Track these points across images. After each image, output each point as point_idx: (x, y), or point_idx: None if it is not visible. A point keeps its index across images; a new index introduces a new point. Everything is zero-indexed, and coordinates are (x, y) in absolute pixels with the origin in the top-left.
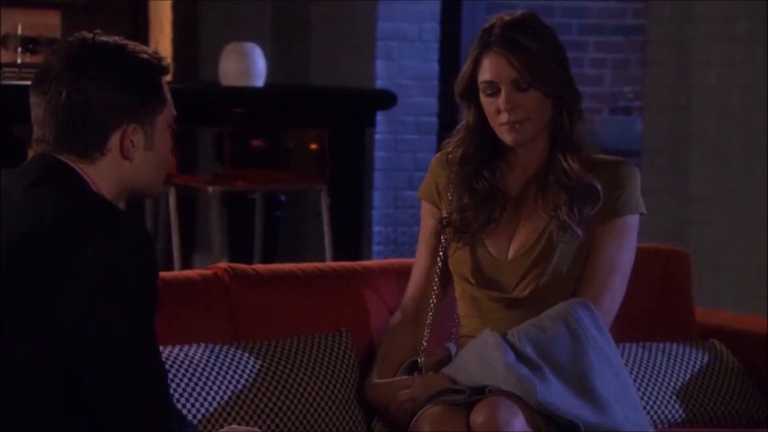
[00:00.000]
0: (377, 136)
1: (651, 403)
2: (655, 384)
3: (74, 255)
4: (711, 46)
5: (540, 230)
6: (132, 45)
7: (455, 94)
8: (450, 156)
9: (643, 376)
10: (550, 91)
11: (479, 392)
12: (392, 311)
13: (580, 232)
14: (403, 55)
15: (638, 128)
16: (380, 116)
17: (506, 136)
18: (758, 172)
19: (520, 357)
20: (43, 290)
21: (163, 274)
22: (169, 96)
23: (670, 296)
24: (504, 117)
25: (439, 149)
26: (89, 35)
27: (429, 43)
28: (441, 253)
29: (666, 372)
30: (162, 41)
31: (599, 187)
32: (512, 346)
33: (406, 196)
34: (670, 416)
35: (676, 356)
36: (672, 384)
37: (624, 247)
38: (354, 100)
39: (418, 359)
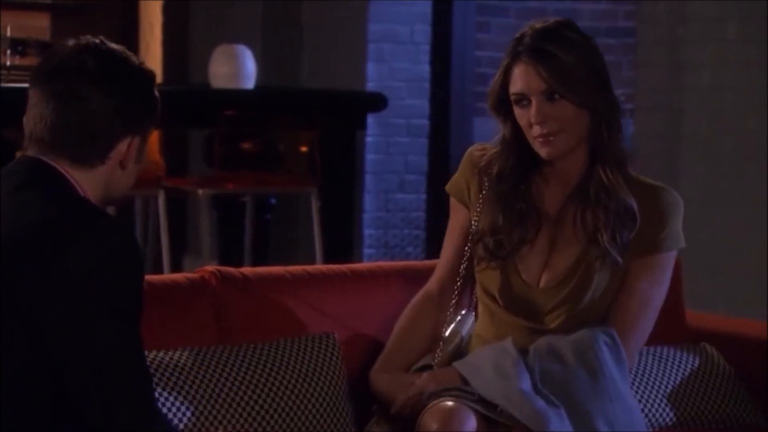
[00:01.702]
0: (368, 139)
1: (642, 406)
2: (646, 387)
3: (60, 258)
4: (703, 48)
5: (577, 257)
6: (132, 55)
7: (488, 107)
8: (485, 167)
9: (634, 379)
10: (583, 101)
11: (490, 406)
12: (381, 313)
13: (620, 260)
14: (395, 57)
15: (630, 130)
16: (371, 119)
17: (540, 150)
18: (751, 173)
19: (537, 389)
20: (29, 293)
21: (149, 277)
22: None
23: None
24: (536, 130)
25: (471, 149)
26: (98, 42)
27: (420, 45)
28: (466, 253)
29: (657, 375)
30: (152, 43)
31: (636, 209)
32: (530, 372)
33: (397, 199)
34: (661, 419)
35: (667, 360)
36: (663, 387)
37: (659, 283)
38: (345, 102)
39: (433, 362)
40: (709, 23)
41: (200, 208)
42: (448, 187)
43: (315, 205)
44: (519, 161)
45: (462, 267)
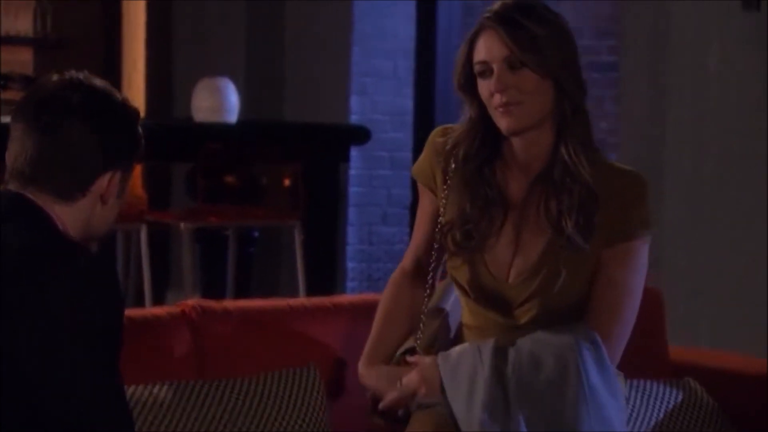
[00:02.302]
0: (351, 172)
1: None
2: (630, 422)
3: (39, 293)
4: (684, 81)
5: (544, 248)
6: (116, 92)
7: (455, 86)
8: (450, 151)
9: None
10: (546, 72)
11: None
12: (363, 346)
13: (586, 246)
14: (377, 91)
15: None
16: (354, 152)
17: (500, 121)
18: (733, 200)
19: (508, 405)
20: (7, 327)
21: (130, 312)
22: None
23: (644, 335)
24: (497, 99)
25: (432, 134)
26: (82, 76)
27: (403, 79)
28: (437, 235)
29: (641, 410)
30: (135, 78)
31: (596, 193)
32: (506, 384)
33: (380, 231)
34: None
35: (651, 394)
36: (647, 422)
37: (636, 269)
38: (328, 135)
39: (416, 345)
40: (690, 58)
41: (183, 241)
42: (413, 172)
43: (298, 238)
44: (484, 142)
45: (434, 251)
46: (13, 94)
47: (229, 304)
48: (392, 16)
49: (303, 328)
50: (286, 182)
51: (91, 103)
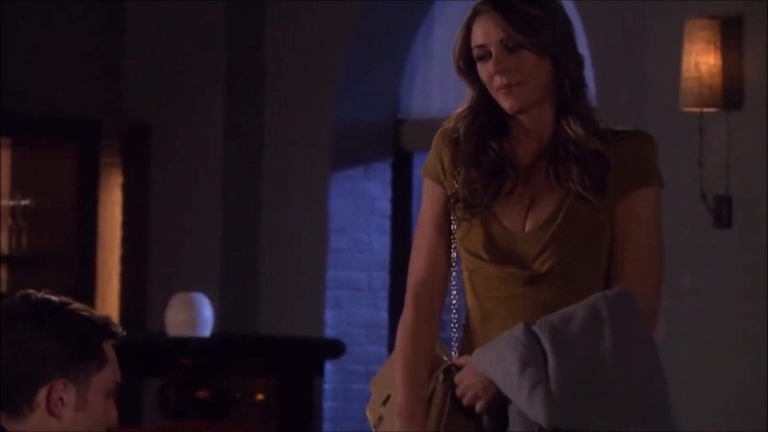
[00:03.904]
0: (326, 386)
1: None
2: None
3: None
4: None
5: (557, 202)
6: (78, 305)
7: (454, 70)
8: (453, 133)
9: None
10: (543, 50)
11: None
12: None
13: (596, 202)
14: (352, 304)
15: None
16: (329, 366)
17: (504, 102)
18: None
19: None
20: None
21: None
22: (111, 361)
23: None
24: (497, 81)
25: (440, 128)
26: (35, 291)
27: (378, 292)
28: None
29: None
30: (109, 294)
31: (606, 153)
32: (534, 337)
33: None
34: None
35: None
36: None
37: (650, 219)
38: (302, 349)
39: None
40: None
41: None
42: (422, 170)
43: None
44: (488, 120)
45: (453, 250)
46: None
47: None
48: (367, 230)
49: None
50: (259, 396)
51: (34, 312)
